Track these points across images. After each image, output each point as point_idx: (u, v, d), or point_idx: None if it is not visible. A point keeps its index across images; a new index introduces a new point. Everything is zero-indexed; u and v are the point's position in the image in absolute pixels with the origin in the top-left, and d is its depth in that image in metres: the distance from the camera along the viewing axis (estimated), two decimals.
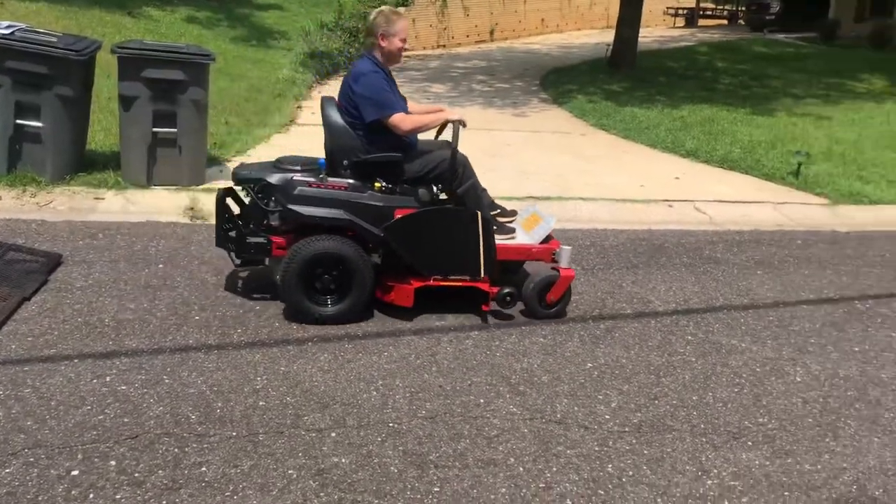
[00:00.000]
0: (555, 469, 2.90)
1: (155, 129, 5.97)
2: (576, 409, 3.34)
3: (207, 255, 4.89)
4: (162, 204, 5.88)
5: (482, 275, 4.11)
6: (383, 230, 4.00)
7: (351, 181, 4.09)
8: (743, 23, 30.34)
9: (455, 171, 4.23)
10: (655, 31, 27.53)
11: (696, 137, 9.42)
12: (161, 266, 4.71)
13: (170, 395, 3.23)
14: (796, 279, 5.29)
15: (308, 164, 4.16)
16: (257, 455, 2.86)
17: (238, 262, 4.43)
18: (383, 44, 4.18)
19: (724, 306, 4.71)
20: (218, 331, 3.88)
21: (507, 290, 4.21)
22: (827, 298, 4.96)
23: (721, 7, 34.31)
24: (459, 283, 4.13)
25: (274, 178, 4.05)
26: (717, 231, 6.40)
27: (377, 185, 4.11)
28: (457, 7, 21.92)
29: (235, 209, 4.45)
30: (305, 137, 8.66)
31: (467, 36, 22.33)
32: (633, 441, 3.12)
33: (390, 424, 3.13)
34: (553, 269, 4.31)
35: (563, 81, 14.08)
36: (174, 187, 6.11)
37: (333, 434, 3.03)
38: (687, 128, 10.01)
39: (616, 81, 13.95)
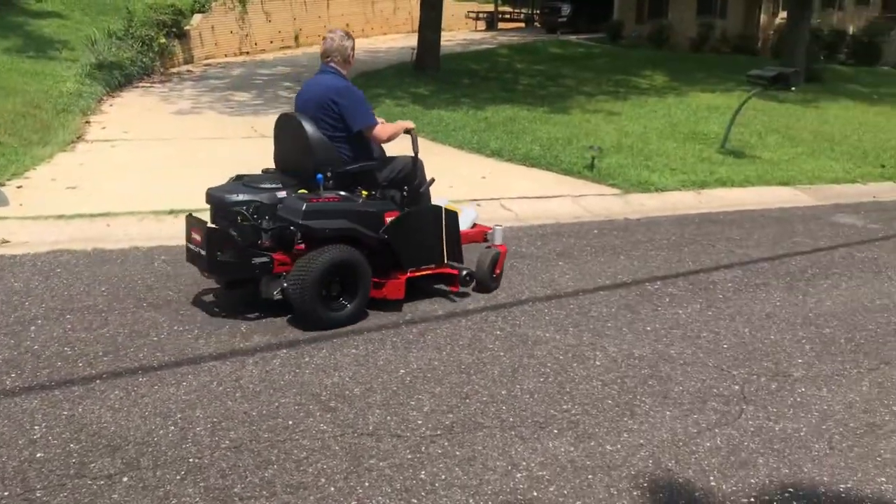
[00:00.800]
0: (367, 484, 2.83)
1: None
2: (388, 418, 3.30)
3: None
4: None
5: (445, 261, 4.64)
6: (385, 233, 4.33)
7: (342, 192, 4.32)
8: (539, 25, 32.07)
9: (417, 173, 4.74)
10: (458, 34, 28.38)
11: (499, 137, 9.76)
12: None
13: None
14: (594, 267, 5.59)
15: (274, 181, 4.34)
16: None
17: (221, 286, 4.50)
18: (351, 63, 4.69)
19: (530, 299, 4.87)
20: None
21: (466, 272, 4.71)
22: (621, 283, 5.28)
23: (518, 11, 36.05)
24: (430, 272, 4.62)
25: (269, 198, 4.20)
26: (522, 226, 6.64)
27: (364, 193, 4.45)
28: (258, 13, 21.35)
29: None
30: (98, 155, 8.01)
31: (271, 42, 21.82)
32: (446, 444, 3.12)
33: (190, 460, 2.91)
34: (488, 247, 4.95)
35: (370, 85, 14.07)
36: None
37: (125, 479, 2.78)
38: (491, 128, 10.35)
39: (422, 84, 14.19)
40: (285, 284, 4.06)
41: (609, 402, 3.56)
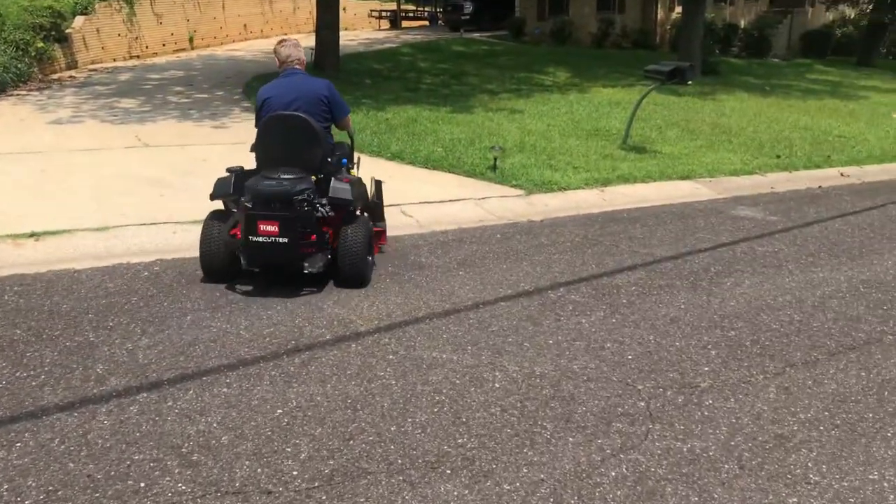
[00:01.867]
0: None
1: None
2: (259, 470, 2.90)
3: None
4: None
5: (384, 221, 5.70)
6: (378, 201, 5.64)
7: (351, 174, 5.17)
8: (442, 23, 31.90)
9: (353, 153, 5.58)
10: (362, 33, 27.91)
11: (400, 139, 9.42)
12: None
13: None
14: (496, 275, 5.32)
15: (292, 171, 4.70)
16: None
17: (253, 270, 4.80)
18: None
19: (427, 315, 4.55)
20: None
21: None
22: (523, 292, 5.02)
23: (422, 9, 35.83)
24: (379, 229, 5.57)
25: (310, 184, 4.70)
26: (423, 234, 6.32)
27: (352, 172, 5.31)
28: (147, 15, 20.29)
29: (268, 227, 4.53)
30: None
31: (164, 45, 20.79)
32: (324, 497, 2.76)
33: None
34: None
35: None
36: None
37: None
38: (392, 130, 10.00)
39: None
40: (329, 257, 4.75)
41: (508, 432, 3.27)
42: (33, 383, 3.49)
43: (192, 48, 21.77)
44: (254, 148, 4.97)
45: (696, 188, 8.49)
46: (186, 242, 5.54)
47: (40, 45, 15.26)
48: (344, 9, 30.40)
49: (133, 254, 5.35)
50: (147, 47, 19.97)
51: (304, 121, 4.72)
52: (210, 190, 5.03)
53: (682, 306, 4.87)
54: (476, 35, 26.25)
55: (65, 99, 12.57)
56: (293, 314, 4.45)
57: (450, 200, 7.18)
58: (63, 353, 3.80)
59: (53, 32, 16.14)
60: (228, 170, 4.97)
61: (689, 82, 10.47)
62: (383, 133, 9.75)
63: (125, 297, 4.58)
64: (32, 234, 5.50)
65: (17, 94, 12.94)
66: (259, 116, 4.96)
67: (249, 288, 4.78)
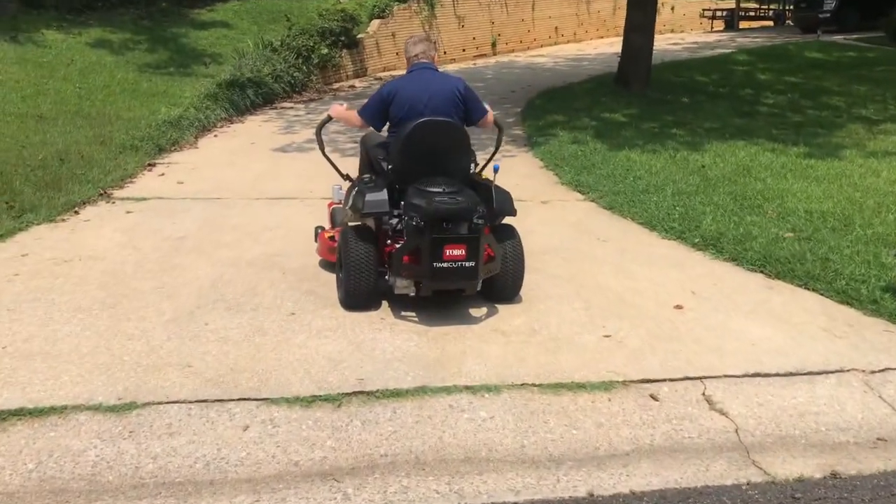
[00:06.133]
0: None
1: None
2: None
3: None
4: None
5: None
6: None
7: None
8: (791, 24, 26.41)
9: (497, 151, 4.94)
10: (689, 36, 23.94)
11: (719, 207, 5.96)
12: None
13: None
14: None
15: (449, 183, 4.11)
16: None
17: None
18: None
19: None
20: None
21: None
22: None
23: (766, 7, 30.42)
24: None
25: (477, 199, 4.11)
26: (744, 460, 3.00)
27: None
28: (449, 17, 18.69)
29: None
30: (81, 234, 5.31)
31: (463, 50, 19.07)
32: None
33: None
34: None
35: (551, 108, 10.71)
36: None
37: None
38: (708, 188, 6.53)
39: (622, 107, 10.52)
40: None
41: None
42: None
43: (494, 53, 19.81)
44: (387, 154, 4.36)
45: None
46: None
47: (324, 51, 14.14)
48: (672, 8, 26.70)
49: None
50: (445, 52, 18.26)
51: (453, 126, 4.24)
52: None
53: None
54: (838, 38, 20.75)
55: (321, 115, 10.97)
56: None
57: (807, 373, 3.67)
58: None
59: (343, 38, 15.01)
60: (351, 179, 4.66)
61: None
62: (693, 193, 6.34)
63: None
64: None
65: (280, 108, 11.71)
66: (386, 112, 4.32)
67: None
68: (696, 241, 5.38)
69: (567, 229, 5.71)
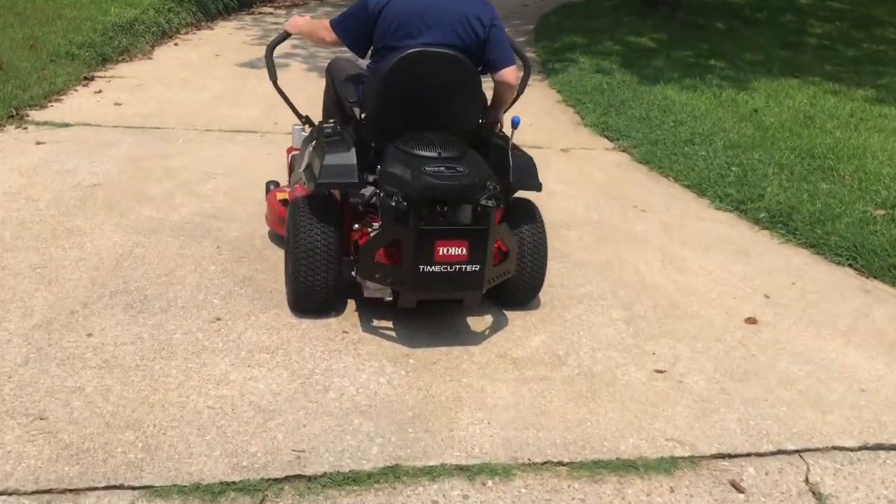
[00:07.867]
0: None
1: None
2: None
3: None
4: None
5: None
6: None
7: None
8: None
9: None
10: None
11: (784, 168, 4.75)
12: None
13: None
14: None
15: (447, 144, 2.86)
16: None
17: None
18: None
19: None
20: None
21: None
22: None
23: None
24: None
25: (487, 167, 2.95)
26: None
27: None
28: None
29: None
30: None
31: None
32: None
33: None
34: None
35: (567, 27, 9.28)
36: None
37: None
38: (766, 140, 5.29)
39: (648, 30, 9.11)
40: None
41: None
42: None
43: None
44: (361, 95, 3.07)
45: None
46: None
47: None
48: None
49: None
50: None
51: (461, 63, 2.86)
52: None
53: None
54: None
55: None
56: None
57: None
58: None
59: None
60: (312, 123, 3.41)
61: None
62: (749, 148, 5.10)
63: None
64: None
65: (260, 12, 10.24)
66: (370, 32, 2.94)
67: None
68: (761, 216, 4.19)
69: (594, 191, 4.49)
